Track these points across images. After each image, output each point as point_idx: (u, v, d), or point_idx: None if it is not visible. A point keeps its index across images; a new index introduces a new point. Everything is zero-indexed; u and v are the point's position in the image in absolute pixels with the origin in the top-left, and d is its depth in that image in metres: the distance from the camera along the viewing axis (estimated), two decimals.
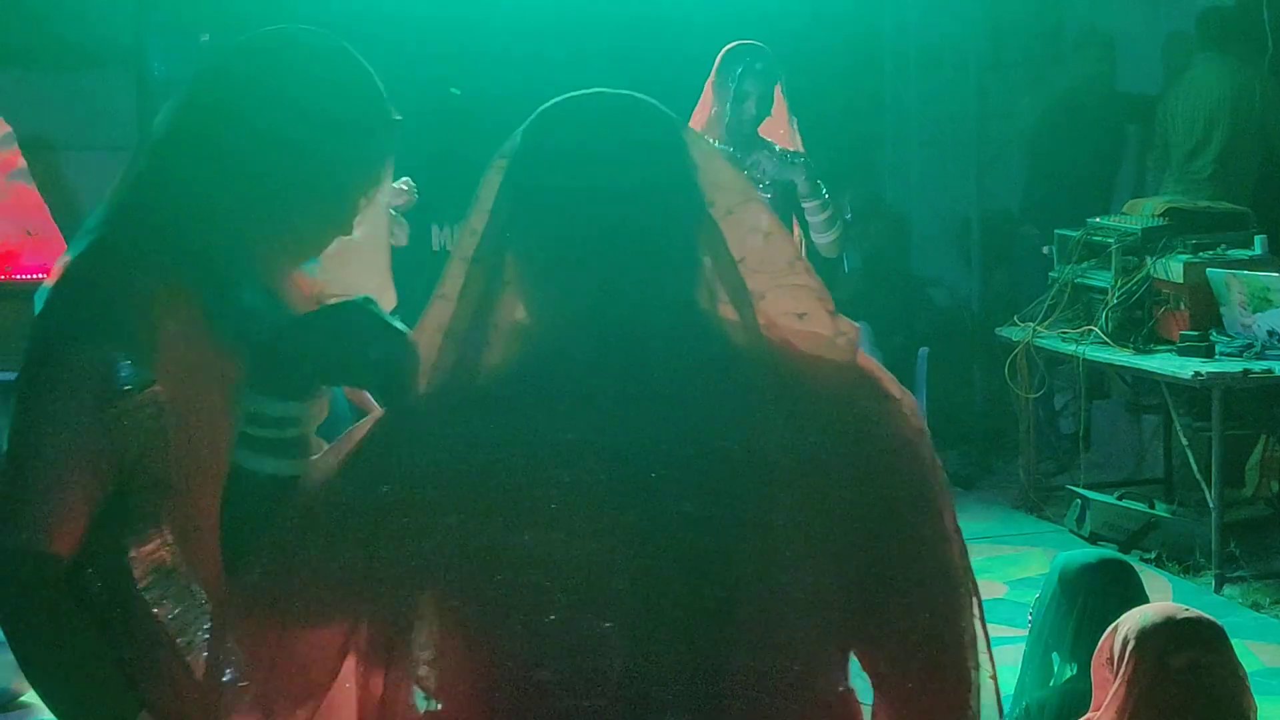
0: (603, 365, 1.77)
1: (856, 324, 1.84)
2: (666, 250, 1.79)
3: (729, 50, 5.51)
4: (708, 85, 5.50)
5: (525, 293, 1.81)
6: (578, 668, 1.75)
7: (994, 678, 1.89)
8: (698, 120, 5.46)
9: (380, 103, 2.21)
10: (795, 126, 5.75)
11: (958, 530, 1.87)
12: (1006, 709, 3.46)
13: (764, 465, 1.75)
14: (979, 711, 1.87)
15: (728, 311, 1.80)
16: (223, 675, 1.81)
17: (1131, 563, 3.81)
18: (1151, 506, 6.63)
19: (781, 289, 1.82)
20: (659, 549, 1.75)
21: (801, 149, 5.70)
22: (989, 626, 1.90)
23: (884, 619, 1.83)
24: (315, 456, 1.88)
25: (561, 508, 1.74)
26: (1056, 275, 6.95)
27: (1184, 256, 6.43)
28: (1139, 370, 6.47)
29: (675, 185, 1.80)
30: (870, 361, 1.87)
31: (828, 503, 1.78)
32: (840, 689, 1.85)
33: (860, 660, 1.88)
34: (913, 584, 1.82)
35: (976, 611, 1.86)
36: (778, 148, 5.64)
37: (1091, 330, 6.60)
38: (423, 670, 1.82)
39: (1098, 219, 6.90)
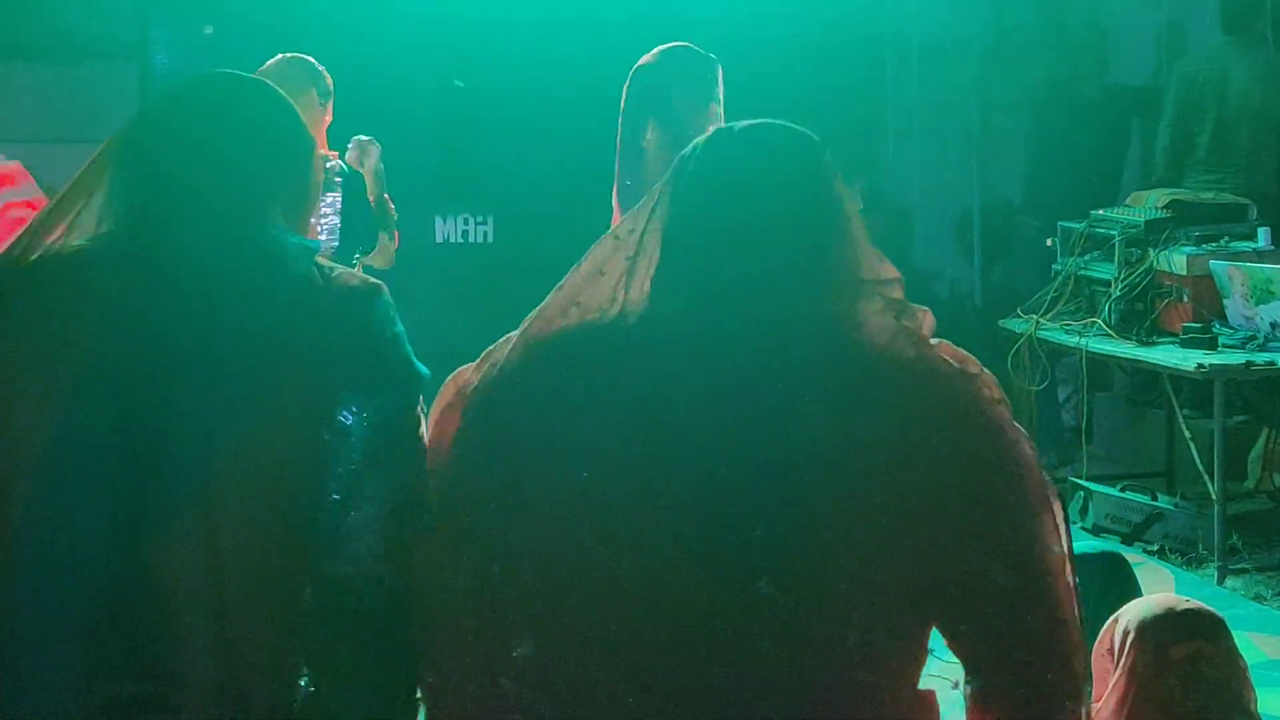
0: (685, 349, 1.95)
1: (925, 308, 2.01)
2: (787, 260, 1.97)
3: (706, 59, 4.96)
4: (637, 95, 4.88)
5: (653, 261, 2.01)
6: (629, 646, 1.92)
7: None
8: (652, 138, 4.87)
9: (301, 131, 2.34)
10: None
11: (1049, 498, 1.99)
12: None
13: (845, 455, 1.91)
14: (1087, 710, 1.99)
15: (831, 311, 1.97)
16: None
17: (1127, 556, 3.83)
18: (1154, 499, 6.63)
19: (862, 287, 2.00)
20: (722, 541, 1.91)
21: None
22: None
23: (970, 603, 1.95)
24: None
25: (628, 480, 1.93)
26: (1060, 267, 6.95)
27: (1187, 249, 6.43)
28: (1142, 362, 6.47)
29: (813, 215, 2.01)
30: (947, 347, 2.01)
31: (910, 488, 1.92)
32: (918, 688, 1.96)
33: (951, 648, 1.99)
34: (996, 566, 1.95)
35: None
36: None
37: (1094, 322, 6.60)
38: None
39: (1101, 211, 6.90)
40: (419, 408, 2.14)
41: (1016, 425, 1.99)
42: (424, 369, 2.17)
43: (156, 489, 2.06)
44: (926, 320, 2.00)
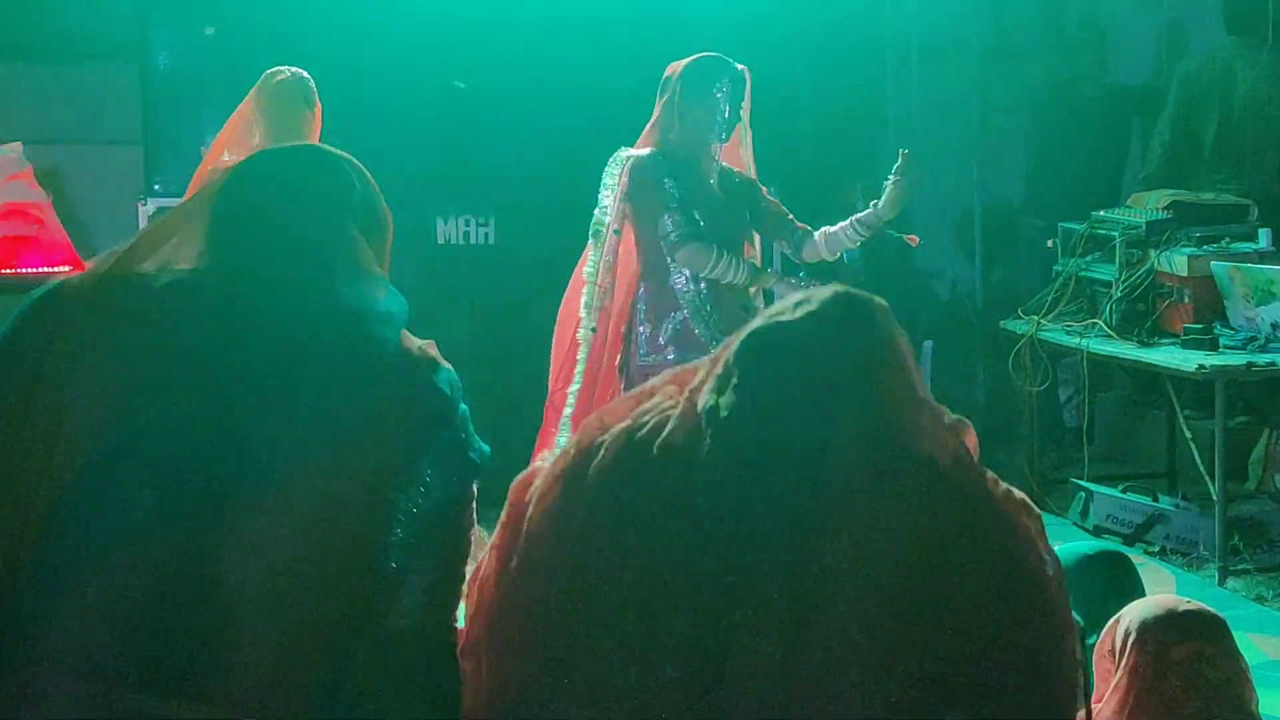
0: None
1: (969, 425, 2.19)
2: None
3: (713, 61, 5.07)
4: (670, 94, 4.99)
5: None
6: None
7: None
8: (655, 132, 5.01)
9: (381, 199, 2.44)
10: (749, 140, 5.35)
11: (1071, 638, 2.15)
12: None
13: (874, 584, 2.02)
14: None
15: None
16: None
17: (1129, 555, 3.82)
18: (1155, 500, 6.63)
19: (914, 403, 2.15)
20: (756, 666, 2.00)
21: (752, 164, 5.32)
22: None
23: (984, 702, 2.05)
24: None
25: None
26: (1060, 268, 6.95)
27: (1188, 249, 6.43)
28: (1143, 363, 6.47)
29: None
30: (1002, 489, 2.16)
31: (945, 623, 2.04)
32: None
33: None
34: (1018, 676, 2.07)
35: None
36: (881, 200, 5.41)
37: (1095, 323, 6.61)
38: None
39: (1102, 212, 6.90)
40: (474, 484, 2.26)
41: (1047, 559, 2.15)
42: (485, 447, 2.29)
43: (210, 520, 2.10)
44: (970, 436, 2.16)
